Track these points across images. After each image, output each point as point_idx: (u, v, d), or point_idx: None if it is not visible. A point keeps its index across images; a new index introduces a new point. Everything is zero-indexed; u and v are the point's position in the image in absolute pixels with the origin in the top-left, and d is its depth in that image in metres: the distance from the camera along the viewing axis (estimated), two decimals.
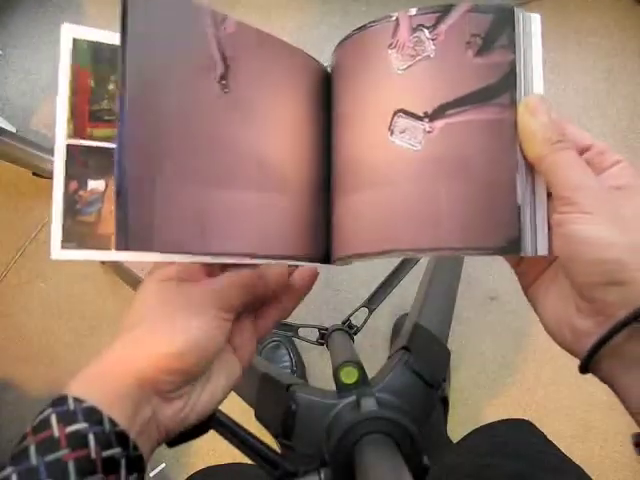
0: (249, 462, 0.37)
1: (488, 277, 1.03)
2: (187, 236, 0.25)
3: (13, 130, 1.05)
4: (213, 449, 1.01)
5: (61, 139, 0.25)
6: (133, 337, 0.28)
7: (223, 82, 0.26)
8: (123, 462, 0.24)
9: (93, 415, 0.24)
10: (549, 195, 0.28)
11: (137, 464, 0.25)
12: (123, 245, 0.23)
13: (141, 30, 0.24)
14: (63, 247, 0.26)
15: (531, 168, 0.27)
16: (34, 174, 1.04)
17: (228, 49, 0.26)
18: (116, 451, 0.24)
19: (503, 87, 0.27)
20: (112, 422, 0.24)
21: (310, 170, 0.31)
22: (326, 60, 0.32)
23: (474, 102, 0.27)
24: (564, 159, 0.26)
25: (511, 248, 0.27)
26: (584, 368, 0.27)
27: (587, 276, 0.25)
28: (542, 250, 0.27)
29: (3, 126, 1.01)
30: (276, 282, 0.31)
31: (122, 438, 0.25)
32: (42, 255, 1.07)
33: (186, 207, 0.25)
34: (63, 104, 0.25)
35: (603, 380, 0.27)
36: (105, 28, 0.27)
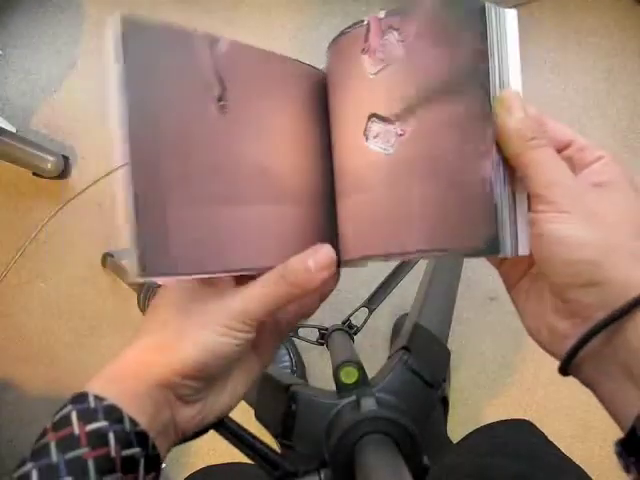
0: (249, 462, 0.37)
1: (488, 277, 1.03)
2: (204, 256, 0.25)
3: (13, 130, 1.05)
4: (213, 449, 1.01)
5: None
6: (151, 342, 0.28)
7: (221, 103, 0.26)
8: (142, 462, 0.24)
9: (113, 413, 0.24)
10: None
11: (155, 464, 0.25)
12: (141, 273, 0.23)
13: (139, 62, 0.23)
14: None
15: (509, 166, 0.26)
16: (34, 174, 1.04)
17: (224, 70, 0.26)
18: (136, 451, 0.24)
19: (475, 84, 0.26)
20: (132, 421, 0.24)
21: (317, 177, 0.31)
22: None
23: (444, 101, 0.26)
24: (539, 156, 0.25)
25: (489, 249, 0.26)
26: (563, 371, 0.26)
27: (562, 277, 0.25)
28: (523, 250, 0.26)
29: (3, 126, 1.00)
30: (303, 283, 0.27)
31: (142, 438, 0.25)
32: (42, 255, 1.07)
33: (199, 228, 0.25)
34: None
35: (584, 383, 0.26)
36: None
